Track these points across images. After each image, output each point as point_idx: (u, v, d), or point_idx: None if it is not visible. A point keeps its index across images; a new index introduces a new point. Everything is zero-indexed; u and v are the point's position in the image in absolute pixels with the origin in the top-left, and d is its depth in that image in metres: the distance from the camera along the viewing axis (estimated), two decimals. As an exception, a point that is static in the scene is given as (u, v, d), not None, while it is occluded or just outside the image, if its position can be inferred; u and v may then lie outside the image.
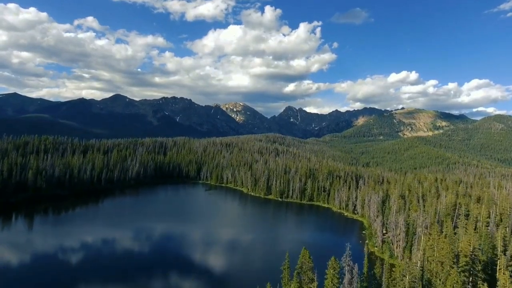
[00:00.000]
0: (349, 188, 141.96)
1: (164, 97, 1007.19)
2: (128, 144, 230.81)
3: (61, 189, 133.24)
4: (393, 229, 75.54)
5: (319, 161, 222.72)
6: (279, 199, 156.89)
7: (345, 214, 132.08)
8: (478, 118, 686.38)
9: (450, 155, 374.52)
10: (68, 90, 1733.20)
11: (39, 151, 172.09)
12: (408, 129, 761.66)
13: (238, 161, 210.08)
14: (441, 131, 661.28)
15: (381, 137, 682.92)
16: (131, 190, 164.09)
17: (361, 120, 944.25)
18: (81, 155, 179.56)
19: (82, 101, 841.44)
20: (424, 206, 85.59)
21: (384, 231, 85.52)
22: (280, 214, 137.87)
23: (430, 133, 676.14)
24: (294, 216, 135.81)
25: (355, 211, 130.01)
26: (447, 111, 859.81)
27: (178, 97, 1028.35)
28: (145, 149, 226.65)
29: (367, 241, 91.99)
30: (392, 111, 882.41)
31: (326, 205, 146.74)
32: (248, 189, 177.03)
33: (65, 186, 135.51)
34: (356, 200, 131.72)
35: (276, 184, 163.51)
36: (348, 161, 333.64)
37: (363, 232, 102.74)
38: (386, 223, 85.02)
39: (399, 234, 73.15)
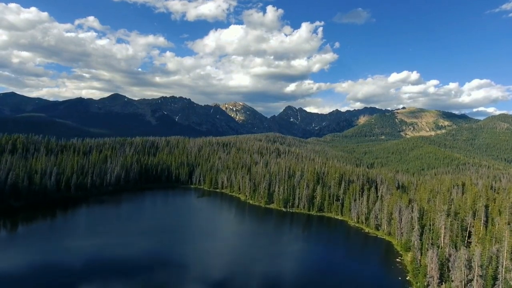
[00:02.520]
0: (368, 197, 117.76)
1: (163, 97, 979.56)
2: (114, 144, 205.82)
3: (14, 199, 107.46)
4: (459, 269, 51.81)
5: (325, 162, 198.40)
6: (283, 209, 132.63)
7: (366, 230, 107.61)
8: (480, 118, 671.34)
9: (459, 155, 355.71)
10: (68, 90, 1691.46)
11: (4, 151, 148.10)
12: (410, 128, 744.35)
13: (235, 163, 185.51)
14: (443, 130, 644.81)
15: (382, 137, 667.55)
16: (109, 198, 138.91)
17: (362, 120, 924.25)
18: (55, 157, 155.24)
19: (80, 101, 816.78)
20: (490, 229, 62.23)
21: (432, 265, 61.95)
22: (284, 231, 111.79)
23: (433, 133, 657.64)
24: (302, 233, 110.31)
25: (379, 227, 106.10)
26: (448, 111, 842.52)
27: (177, 97, 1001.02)
28: (134, 150, 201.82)
29: (408, 277, 68.54)
30: (393, 110, 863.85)
31: (340, 217, 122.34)
32: (246, 196, 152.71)
33: (21, 195, 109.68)
34: (379, 212, 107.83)
35: (279, 191, 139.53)
36: (352, 162, 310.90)
37: (398, 259, 79.17)
38: (440, 255, 61.20)
39: (474, 279, 49.56)
